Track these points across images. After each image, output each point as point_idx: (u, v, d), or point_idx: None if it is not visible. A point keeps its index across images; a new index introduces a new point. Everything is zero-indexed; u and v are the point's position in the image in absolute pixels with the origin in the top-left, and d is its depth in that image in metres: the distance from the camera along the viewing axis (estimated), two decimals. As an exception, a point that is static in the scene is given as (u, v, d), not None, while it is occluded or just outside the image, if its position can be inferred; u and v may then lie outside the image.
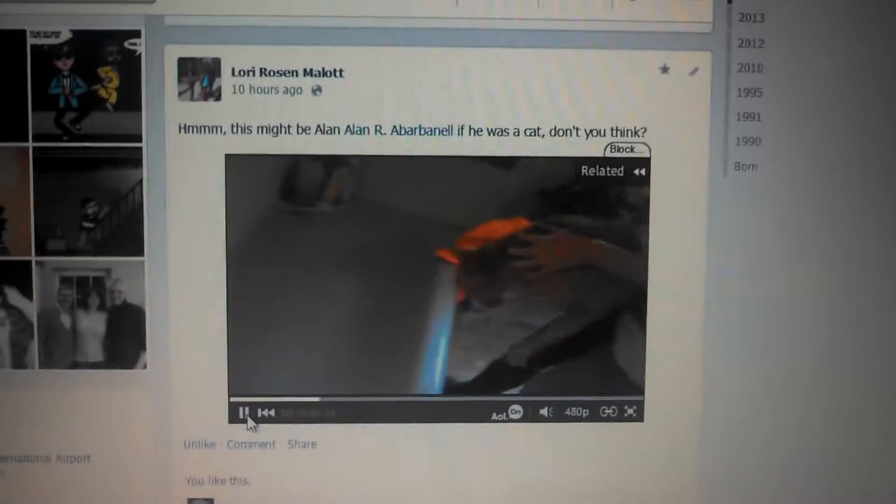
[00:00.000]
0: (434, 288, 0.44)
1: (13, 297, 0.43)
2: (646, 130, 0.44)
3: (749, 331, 0.45)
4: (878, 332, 0.46)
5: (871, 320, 0.46)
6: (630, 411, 0.45)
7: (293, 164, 0.43)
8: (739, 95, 0.44)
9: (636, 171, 0.44)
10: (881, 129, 0.45)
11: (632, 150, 0.44)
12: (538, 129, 0.43)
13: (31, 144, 0.43)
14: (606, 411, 0.45)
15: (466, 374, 0.44)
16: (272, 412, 0.44)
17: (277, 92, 0.43)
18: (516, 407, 0.45)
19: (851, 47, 0.44)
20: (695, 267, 0.44)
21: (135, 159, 0.43)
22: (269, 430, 0.44)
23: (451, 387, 0.45)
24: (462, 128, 0.43)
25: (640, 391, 0.45)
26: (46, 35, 0.42)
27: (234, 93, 0.43)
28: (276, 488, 0.45)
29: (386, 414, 0.45)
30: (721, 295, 0.45)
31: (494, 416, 0.45)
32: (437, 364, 0.44)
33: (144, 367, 0.44)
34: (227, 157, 0.43)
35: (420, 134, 0.43)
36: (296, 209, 0.43)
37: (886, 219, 0.45)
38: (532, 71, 0.43)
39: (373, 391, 0.44)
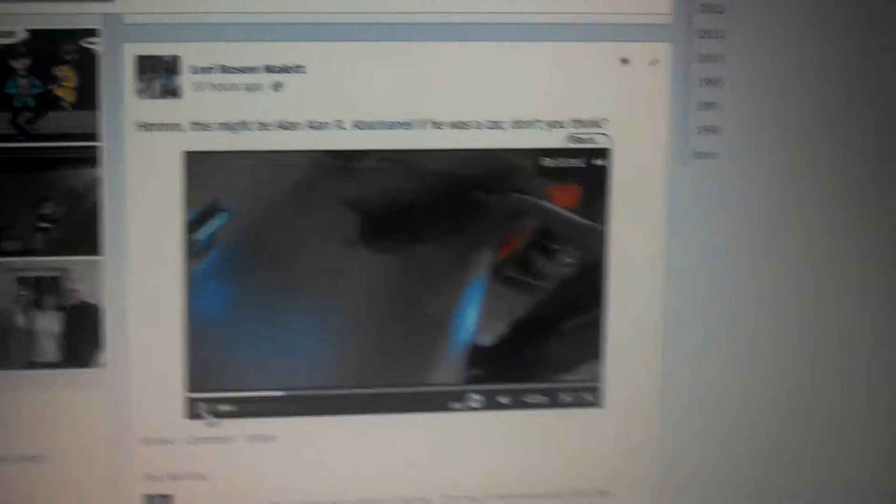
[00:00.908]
0: (392, 280, 0.43)
1: (-31, 298, 0.43)
2: (607, 121, 0.44)
3: (709, 317, 0.46)
4: (838, 318, 0.46)
5: (831, 307, 0.46)
6: (589, 397, 0.45)
7: (254, 160, 0.43)
8: (700, 85, 0.44)
9: (597, 161, 0.44)
10: (842, 119, 0.45)
11: (593, 140, 0.44)
12: (499, 121, 0.44)
13: (-14, 145, 0.42)
14: (565, 398, 0.45)
15: (433, 363, 0.44)
16: (231, 407, 0.44)
17: (238, 89, 0.43)
18: (475, 395, 0.45)
19: (812, 38, 0.45)
20: (656, 255, 0.45)
21: (93, 158, 0.42)
22: (228, 426, 0.44)
23: (415, 377, 0.44)
24: (424, 121, 0.43)
25: (599, 377, 0.45)
26: (1, 35, 0.42)
27: (194, 90, 0.42)
28: (236, 483, 0.44)
29: (347, 406, 0.44)
30: (681, 282, 0.45)
31: (453, 406, 0.45)
32: (397, 354, 0.44)
33: (102, 365, 0.43)
34: (187, 154, 0.43)
35: (382, 128, 0.43)
36: (255, 205, 0.43)
37: (846, 208, 0.46)
38: (492, 64, 0.43)
39: (334, 384, 0.44)
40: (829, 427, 0.47)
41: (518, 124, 0.44)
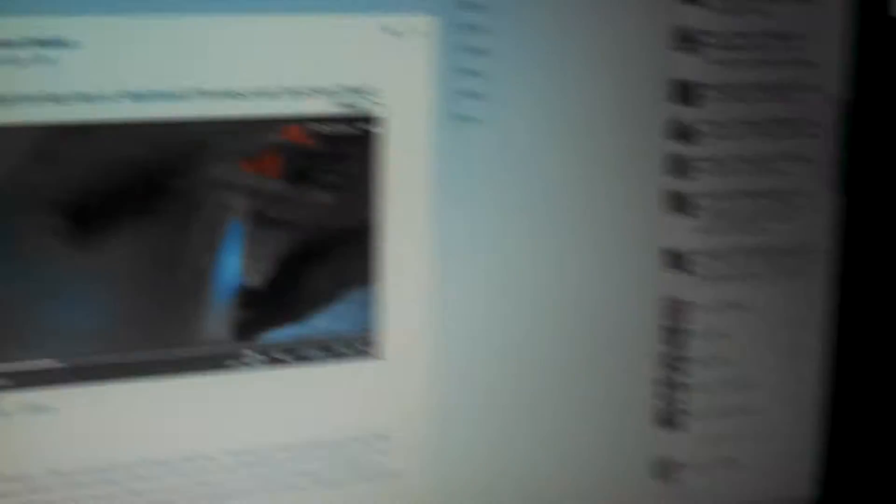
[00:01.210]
0: (156, 243, 0.44)
1: None
2: (374, 90, 0.45)
3: (480, 272, 0.48)
4: (607, 276, 0.49)
5: (600, 268, 0.49)
6: (364, 348, 0.47)
7: (21, 135, 0.42)
8: (465, 54, 0.46)
9: (365, 129, 0.45)
10: (603, 89, 0.48)
11: (361, 108, 0.45)
12: (270, 90, 0.44)
13: None
14: (341, 349, 0.46)
15: (203, 323, 0.45)
16: (5, 381, 0.43)
17: (6, 63, 0.42)
18: (250, 352, 0.45)
19: (575, 10, 0.47)
20: (427, 216, 0.46)
21: None
22: (3, 399, 0.43)
23: (189, 337, 0.45)
24: (196, 92, 0.43)
25: (377, 330, 0.47)
26: None
27: (-40, 64, 0.41)
28: (15, 459, 0.44)
29: (125, 372, 0.44)
30: (454, 242, 0.47)
31: (230, 364, 0.45)
32: (177, 314, 0.44)
33: None
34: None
35: (153, 100, 0.43)
36: (20, 176, 0.42)
37: (610, 179, 0.49)
38: (263, 35, 0.44)
39: (111, 350, 0.44)
40: (607, 382, 0.50)
41: (289, 93, 0.44)
